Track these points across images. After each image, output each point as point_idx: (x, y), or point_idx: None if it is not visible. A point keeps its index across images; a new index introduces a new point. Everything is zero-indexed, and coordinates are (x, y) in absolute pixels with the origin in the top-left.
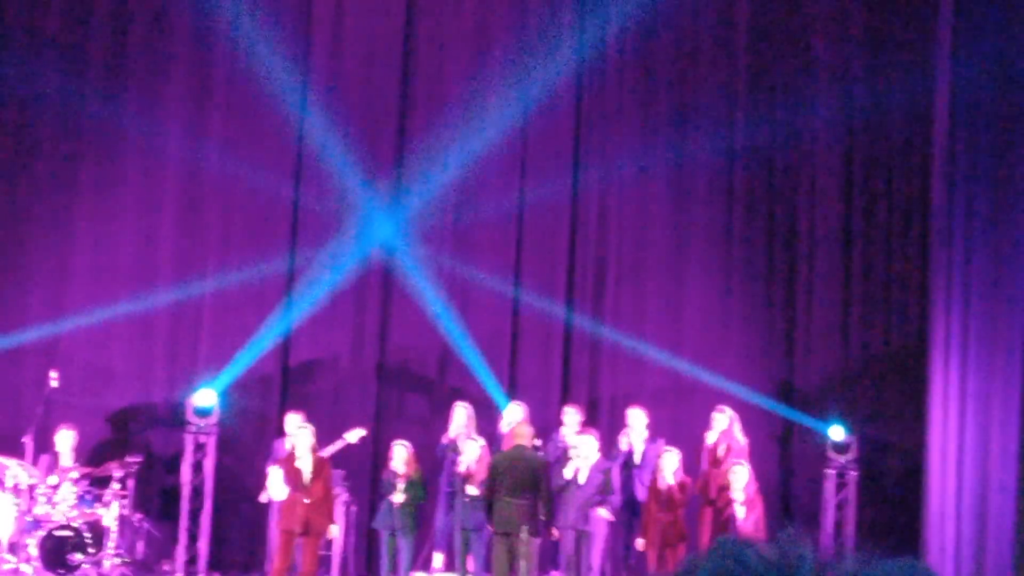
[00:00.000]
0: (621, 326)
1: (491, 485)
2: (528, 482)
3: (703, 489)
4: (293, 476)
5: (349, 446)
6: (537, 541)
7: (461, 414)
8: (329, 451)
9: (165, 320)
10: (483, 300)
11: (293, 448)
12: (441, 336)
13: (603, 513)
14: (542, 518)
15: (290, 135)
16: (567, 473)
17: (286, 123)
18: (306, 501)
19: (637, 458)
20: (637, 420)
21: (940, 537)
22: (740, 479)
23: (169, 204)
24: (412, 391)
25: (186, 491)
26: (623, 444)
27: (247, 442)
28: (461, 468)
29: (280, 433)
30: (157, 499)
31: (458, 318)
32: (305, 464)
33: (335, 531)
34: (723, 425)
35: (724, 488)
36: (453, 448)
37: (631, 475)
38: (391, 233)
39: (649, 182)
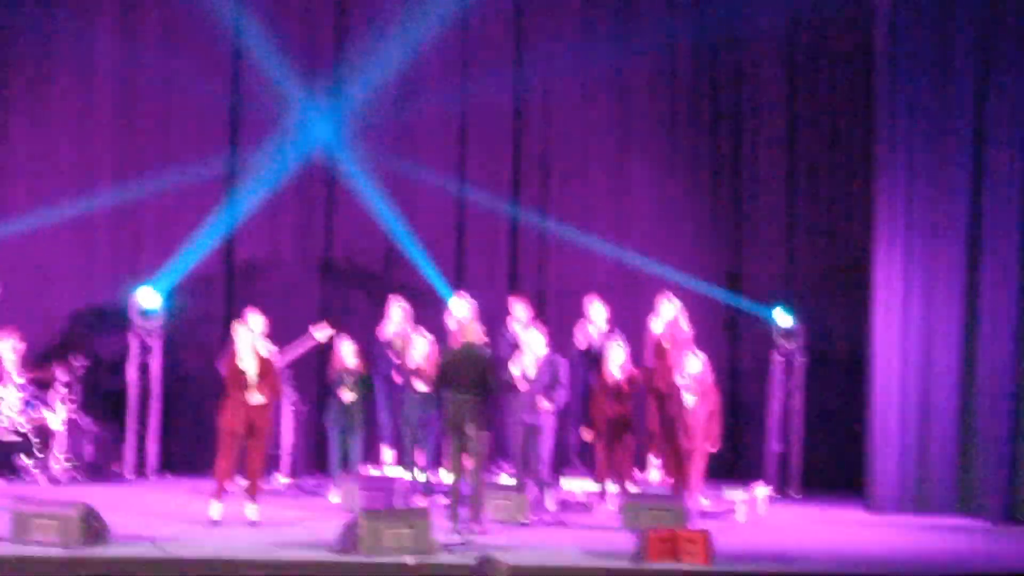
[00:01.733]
0: (567, 219)
1: (440, 381)
2: (477, 378)
3: (649, 380)
4: (237, 376)
5: (316, 345)
6: (487, 436)
7: (397, 311)
8: (295, 351)
9: (106, 222)
10: (427, 197)
11: (233, 347)
12: (386, 233)
13: (545, 404)
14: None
15: (227, 33)
16: (515, 369)
17: (222, 21)
18: (252, 402)
19: (595, 350)
20: (596, 313)
21: (884, 423)
22: (693, 368)
23: (104, 105)
24: (358, 288)
25: (133, 392)
26: (579, 338)
27: (194, 343)
28: (410, 365)
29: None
30: (103, 402)
31: (403, 215)
32: (250, 364)
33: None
34: (669, 314)
35: (670, 378)
36: (389, 345)
37: (586, 365)
38: (331, 132)
39: (592, 76)
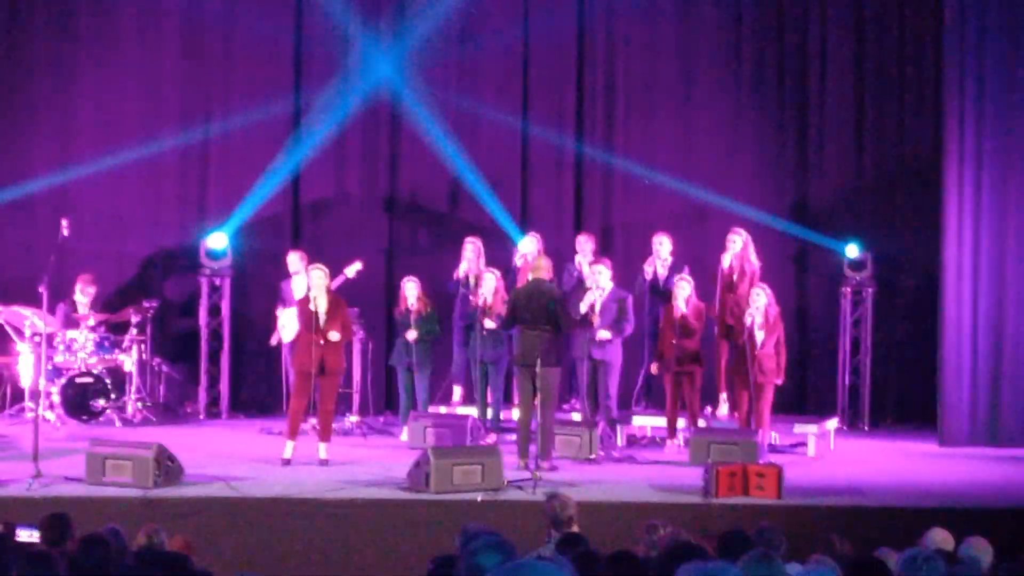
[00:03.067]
0: (632, 154)
1: (509, 318)
2: (545, 314)
3: (719, 314)
4: (307, 317)
5: (353, 281)
6: (556, 371)
7: (470, 249)
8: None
9: (173, 165)
10: (491, 133)
11: (308, 289)
12: (450, 171)
13: (604, 334)
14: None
15: None
16: (582, 306)
17: None
18: (321, 342)
19: (661, 286)
20: (663, 247)
21: (957, 353)
22: (759, 301)
23: (170, 47)
24: (423, 226)
25: (204, 334)
26: (646, 273)
27: (261, 284)
28: (479, 301)
29: (287, 274)
30: (175, 344)
31: (466, 152)
32: (320, 304)
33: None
34: (737, 248)
35: (740, 313)
36: (464, 283)
37: (656, 301)
38: (394, 69)
39: (657, 8)
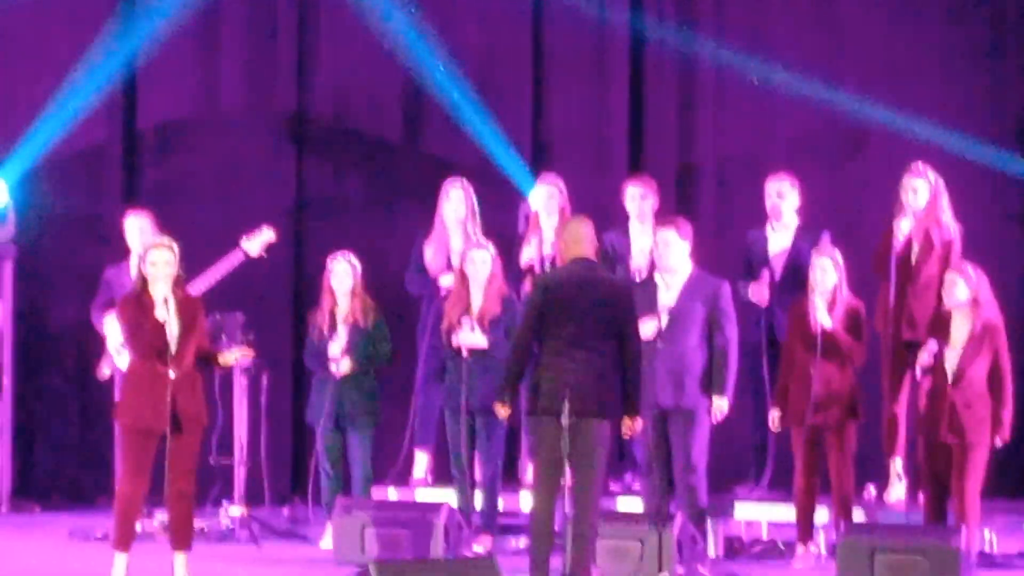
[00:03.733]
0: (732, 34)
1: (529, 329)
2: (606, 323)
3: (892, 319)
4: (145, 330)
5: (252, 261)
6: (605, 427)
7: (457, 197)
8: (210, 278)
9: None
10: (483, 1)
11: (140, 279)
12: (406, 66)
13: (721, 409)
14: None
15: None
16: (649, 328)
17: None
18: (172, 374)
19: (781, 269)
20: (785, 200)
21: None
22: (959, 295)
23: None
24: (360, 166)
25: None
26: (757, 243)
27: (71, 270)
28: (461, 299)
29: (120, 252)
30: None
31: (435, 32)
32: (164, 307)
33: (231, 359)
34: (920, 202)
35: (925, 317)
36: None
37: (775, 300)
38: None
39: None
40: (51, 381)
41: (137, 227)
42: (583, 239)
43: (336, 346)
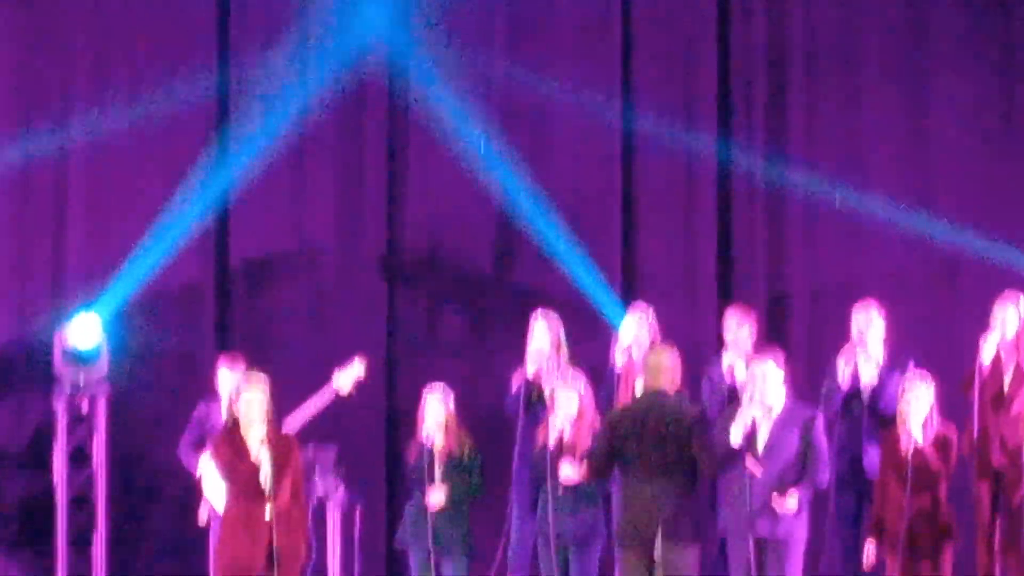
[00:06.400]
0: (821, 166)
1: (605, 460)
2: (675, 453)
3: (980, 448)
4: (238, 471)
5: (342, 399)
6: (694, 553)
7: (542, 331)
8: (303, 416)
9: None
10: (570, 131)
11: (231, 421)
12: (497, 201)
13: (791, 502)
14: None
15: None
16: (735, 435)
17: None
18: (267, 515)
19: (865, 398)
20: (869, 328)
21: None
22: None
23: None
24: (450, 299)
25: (61, 500)
26: (842, 372)
27: (165, 410)
28: (551, 435)
29: (210, 392)
30: (7, 520)
31: (526, 166)
32: (260, 447)
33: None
34: (1011, 329)
35: (1017, 446)
36: (536, 395)
37: (858, 427)
38: (394, 21)
39: None
40: (147, 520)
41: (230, 374)
42: (661, 370)
43: (432, 480)
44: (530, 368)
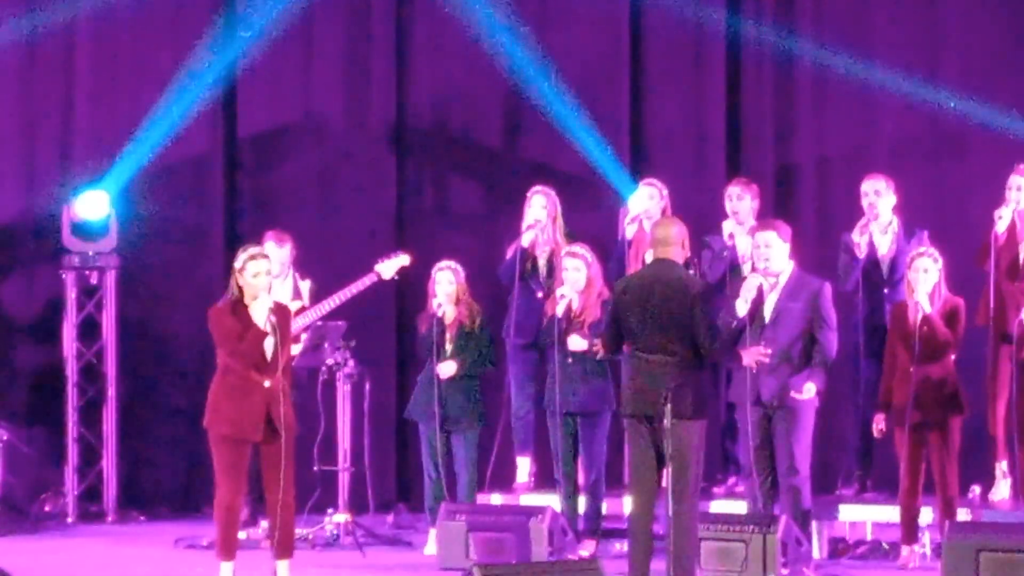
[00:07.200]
0: (829, 34)
1: (613, 332)
2: (679, 323)
3: (994, 317)
4: (247, 340)
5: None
6: (700, 427)
7: (539, 204)
8: (344, 297)
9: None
10: (579, 1)
11: (237, 288)
12: (505, 72)
13: (809, 390)
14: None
15: None
16: (740, 307)
17: None
18: (266, 384)
19: (884, 269)
20: (879, 200)
21: None
22: None
23: None
24: (458, 166)
25: (72, 374)
26: (858, 241)
27: (176, 284)
28: (559, 306)
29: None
30: (19, 392)
31: (535, 37)
32: (267, 317)
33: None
34: None
35: None
36: (532, 265)
37: (880, 297)
38: None
39: None
40: (156, 390)
41: (277, 250)
42: (669, 240)
43: (443, 353)
44: (526, 238)
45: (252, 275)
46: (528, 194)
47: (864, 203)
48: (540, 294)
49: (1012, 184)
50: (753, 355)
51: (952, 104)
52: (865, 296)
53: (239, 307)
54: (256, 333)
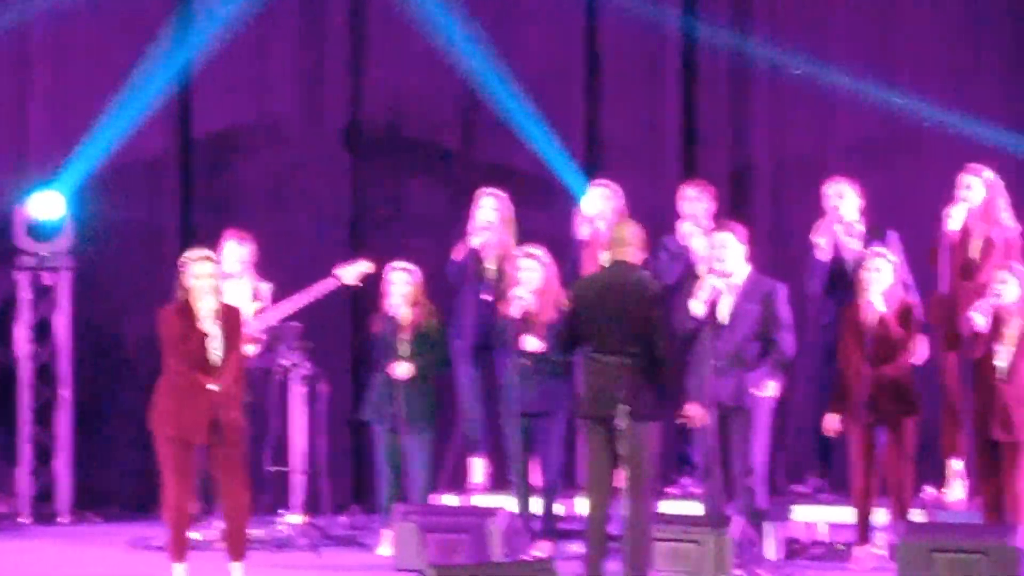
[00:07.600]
0: (787, 36)
1: (569, 334)
2: (636, 325)
3: (944, 317)
4: (191, 341)
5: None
6: (655, 429)
7: (490, 206)
8: (301, 301)
9: None
10: (534, 2)
11: (183, 290)
12: (461, 74)
13: (769, 387)
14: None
15: None
16: (697, 306)
17: None
18: (213, 387)
19: (851, 271)
20: (844, 202)
21: None
22: (1008, 293)
23: None
24: (413, 167)
25: (26, 374)
26: (818, 242)
27: (130, 284)
28: (514, 307)
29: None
30: None
31: (490, 39)
32: (210, 321)
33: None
34: (976, 199)
35: (981, 315)
36: (480, 268)
37: (845, 300)
38: None
39: None
40: (110, 391)
41: (237, 248)
42: (626, 241)
43: (397, 354)
44: (477, 239)
45: (195, 277)
46: (477, 195)
47: (828, 203)
48: (490, 297)
49: (962, 183)
50: (696, 412)
51: (905, 104)
52: (832, 298)
53: (186, 309)
54: (200, 335)
